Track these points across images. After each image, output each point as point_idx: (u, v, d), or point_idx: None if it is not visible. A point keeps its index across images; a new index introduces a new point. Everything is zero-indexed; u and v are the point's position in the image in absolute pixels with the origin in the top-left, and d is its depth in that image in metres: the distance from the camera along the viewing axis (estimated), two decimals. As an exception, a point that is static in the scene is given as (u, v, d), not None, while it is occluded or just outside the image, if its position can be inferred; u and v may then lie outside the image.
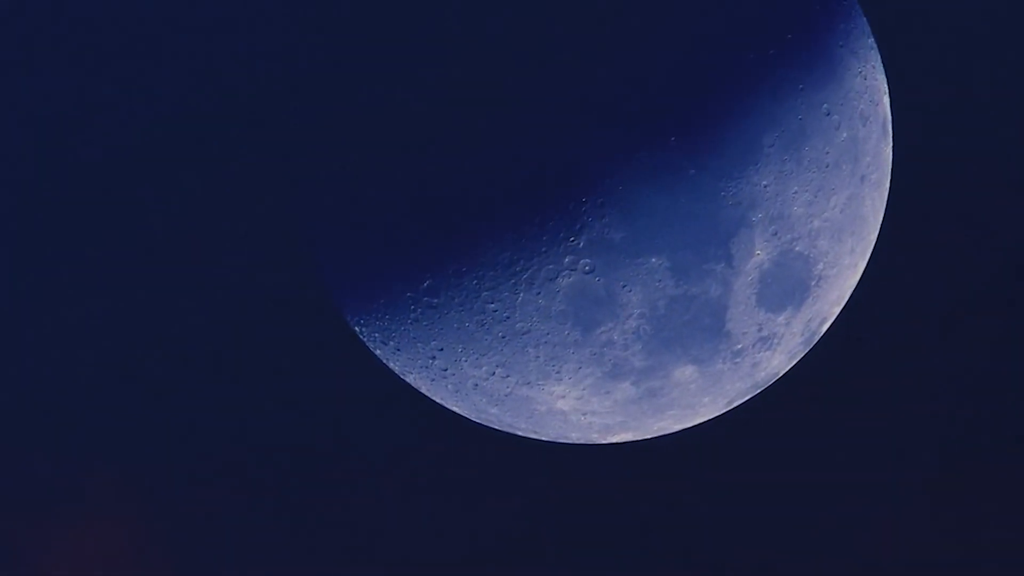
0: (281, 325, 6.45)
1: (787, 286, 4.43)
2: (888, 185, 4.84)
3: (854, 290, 4.93)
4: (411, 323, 4.46)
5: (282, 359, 6.50)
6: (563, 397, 4.53)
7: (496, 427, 4.98)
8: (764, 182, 4.17)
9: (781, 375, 4.95)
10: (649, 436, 4.95)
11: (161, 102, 6.41)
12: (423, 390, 4.94)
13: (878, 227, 4.87)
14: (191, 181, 6.38)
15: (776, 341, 4.58)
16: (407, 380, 4.94)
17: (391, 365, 4.89)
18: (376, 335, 4.72)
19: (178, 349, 6.54)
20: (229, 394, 6.56)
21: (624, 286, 4.16)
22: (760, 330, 4.47)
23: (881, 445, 6.64)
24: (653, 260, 4.13)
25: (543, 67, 4.01)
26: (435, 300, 4.33)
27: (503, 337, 4.32)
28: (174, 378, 6.62)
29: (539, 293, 4.20)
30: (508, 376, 4.46)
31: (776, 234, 4.26)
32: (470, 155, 4.07)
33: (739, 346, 4.47)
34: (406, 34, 4.16)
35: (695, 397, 4.64)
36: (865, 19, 4.63)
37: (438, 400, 4.95)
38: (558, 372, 4.40)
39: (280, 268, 6.31)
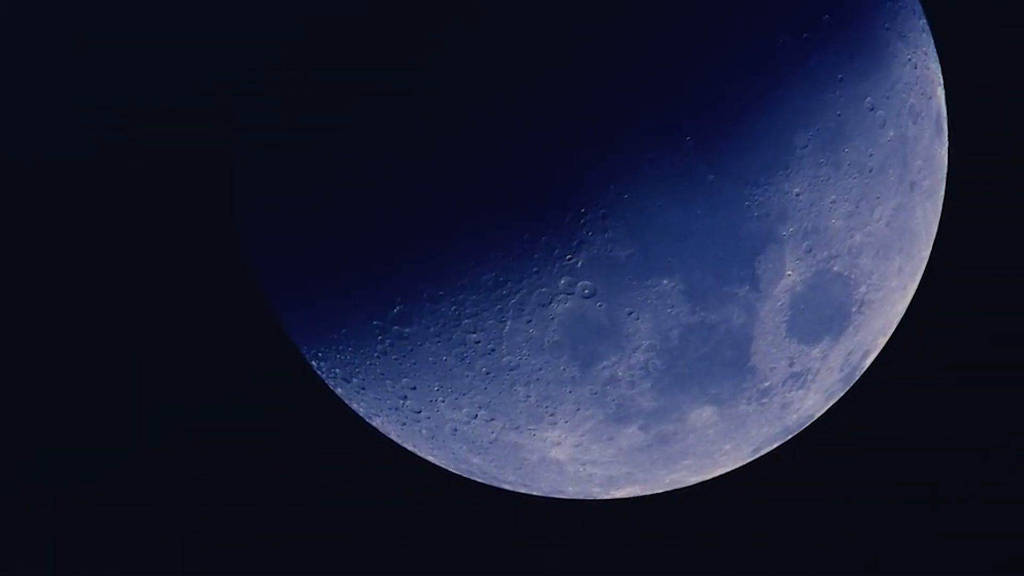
0: (222, 356, 6.49)
1: (823, 313, 4.38)
2: (943, 193, 4.81)
3: (902, 318, 4.90)
4: (378, 357, 4.43)
5: (224, 397, 6.52)
6: (558, 444, 4.48)
7: (479, 480, 4.96)
8: (796, 190, 4.10)
9: (816, 418, 4.92)
10: (660, 490, 4.94)
11: (87, 104, 6.50)
12: (392, 436, 4.90)
13: (931, 243, 4.83)
14: (114, 186, 6.47)
15: (810, 378, 4.54)
16: (373, 424, 4.91)
17: (355, 406, 4.87)
18: (337, 371, 4.69)
19: (101, 393, 6.65)
20: (162, 436, 6.61)
21: (630, 313, 4.10)
22: (791, 365, 4.43)
23: (934, 500, 6.64)
24: (665, 282, 4.06)
25: (533, 51, 3.94)
26: (406, 329, 4.29)
27: (487, 373, 4.29)
28: (106, 420, 6.70)
29: (530, 321, 4.14)
30: (493, 419, 4.43)
31: (810, 251, 4.21)
32: (447, 156, 3.99)
33: (766, 384, 4.43)
34: (375, 14, 4.13)
35: (714, 444, 4.61)
36: (916, -4, 4.66)
37: (410, 448, 4.92)
38: (552, 415, 4.36)
39: (219, 289, 6.34)
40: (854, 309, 4.44)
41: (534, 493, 4.96)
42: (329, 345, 4.56)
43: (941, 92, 4.71)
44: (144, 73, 6.39)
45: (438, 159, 4.01)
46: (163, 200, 6.40)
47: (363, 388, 4.62)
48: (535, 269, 4.04)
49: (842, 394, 4.89)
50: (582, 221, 3.97)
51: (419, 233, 4.08)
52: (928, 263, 4.86)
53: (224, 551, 6.66)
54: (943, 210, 4.84)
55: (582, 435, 4.40)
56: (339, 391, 4.83)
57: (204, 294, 6.45)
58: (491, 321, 4.15)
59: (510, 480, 4.84)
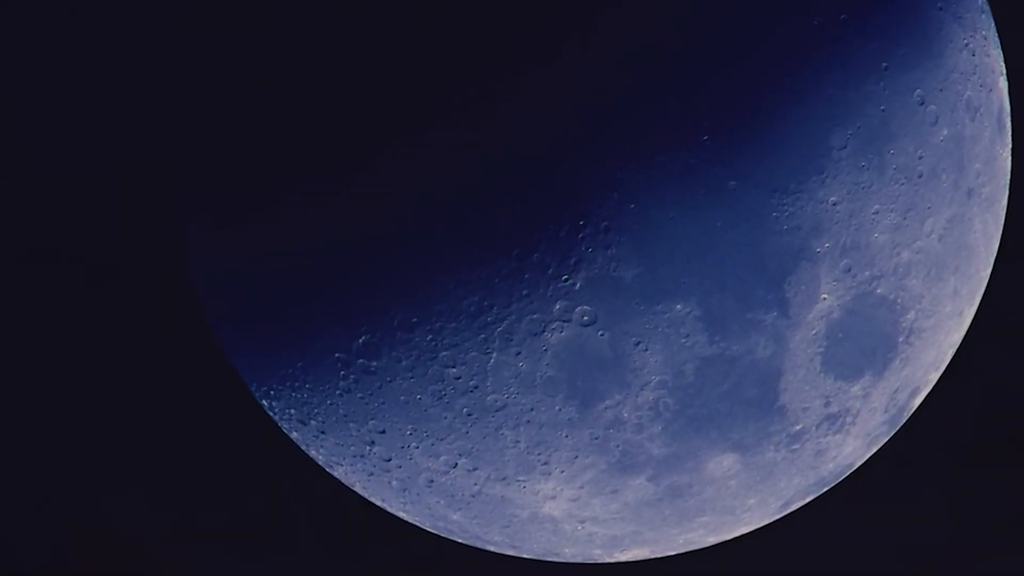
0: (157, 389, 6.53)
1: (865, 344, 4.32)
2: (1005, 202, 4.77)
3: (957, 349, 4.88)
4: (340, 395, 4.41)
5: (160, 437, 6.55)
6: (553, 498, 4.43)
7: (459, 539, 4.96)
8: (832, 198, 4.02)
9: (856, 467, 4.91)
10: (672, 552, 4.95)
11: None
12: (358, 488, 4.89)
13: (991, 260, 4.78)
14: (47, 217, 6.56)
15: (849, 420, 4.49)
16: (335, 474, 4.90)
17: (313, 453, 4.86)
18: (291, 412, 4.67)
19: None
20: (94, 485, 6.65)
21: (638, 343, 4.03)
22: (827, 405, 4.37)
23: (993, 558, 6.68)
24: (678, 307, 3.99)
25: (524, 36, 3.87)
26: (374, 363, 4.24)
27: (469, 415, 4.23)
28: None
29: (519, 353, 4.07)
30: (476, 469, 4.38)
31: (850, 271, 4.13)
32: (421, 158, 3.91)
33: (798, 427, 4.37)
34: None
35: (736, 498, 4.57)
36: (975, -29, 4.62)
37: (379, 502, 4.91)
38: (546, 463, 4.30)
39: (156, 312, 6.38)
40: (901, 339, 4.39)
41: (524, 556, 4.94)
42: (283, 381, 4.53)
43: (1003, 83, 4.66)
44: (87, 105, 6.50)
45: (408, 162, 3.92)
46: (99, 221, 6.46)
47: (323, 432, 4.60)
48: (525, 292, 3.98)
49: (887, 439, 4.84)
50: (581, 235, 3.90)
51: (389, 248, 4.03)
52: (988, 284, 4.84)
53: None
54: (1005, 222, 4.82)
55: (581, 487, 4.35)
56: (295, 435, 4.80)
57: (138, 318, 6.52)
58: (474, 353, 4.09)
59: (496, 540, 4.80)
